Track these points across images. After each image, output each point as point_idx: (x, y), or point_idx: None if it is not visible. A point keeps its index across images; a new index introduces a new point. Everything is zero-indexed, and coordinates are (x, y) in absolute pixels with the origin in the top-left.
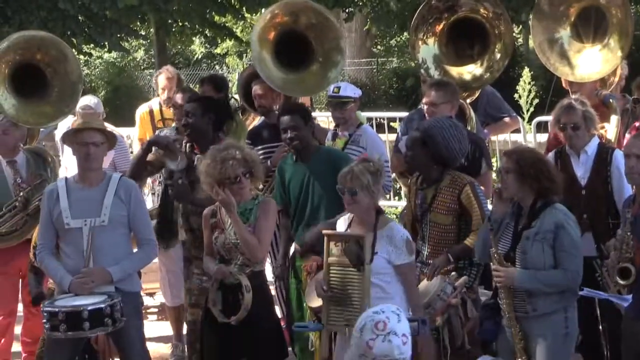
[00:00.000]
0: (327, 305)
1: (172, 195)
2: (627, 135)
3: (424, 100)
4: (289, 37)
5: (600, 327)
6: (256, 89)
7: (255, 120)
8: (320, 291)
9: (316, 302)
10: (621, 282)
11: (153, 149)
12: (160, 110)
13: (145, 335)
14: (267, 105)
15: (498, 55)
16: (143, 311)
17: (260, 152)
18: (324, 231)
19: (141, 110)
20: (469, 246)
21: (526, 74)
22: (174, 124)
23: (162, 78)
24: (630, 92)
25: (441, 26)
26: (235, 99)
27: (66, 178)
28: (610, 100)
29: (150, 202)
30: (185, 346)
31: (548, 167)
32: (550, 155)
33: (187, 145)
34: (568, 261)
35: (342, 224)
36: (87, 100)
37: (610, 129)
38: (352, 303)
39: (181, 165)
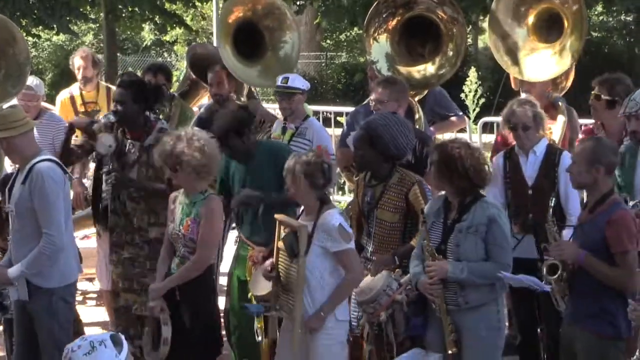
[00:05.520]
0: (276, 289)
1: (111, 185)
2: (581, 136)
3: (372, 97)
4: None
5: (539, 329)
6: (212, 77)
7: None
8: (267, 273)
9: (262, 290)
10: (548, 277)
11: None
12: (81, 95)
13: (65, 334)
14: (223, 93)
15: (451, 54)
16: (82, 297)
17: None
18: (277, 216)
19: (62, 97)
20: (414, 246)
21: (473, 73)
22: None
23: (77, 59)
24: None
25: (394, 22)
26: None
27: None
28: (559, 102)
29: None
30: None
31: (475, 164)
32: (499, 156)
33: (119, 130)
34: (499, 254)
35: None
36: (29, 81)
37: (555, 130)
38: (288, 292)
39: (111, 150)
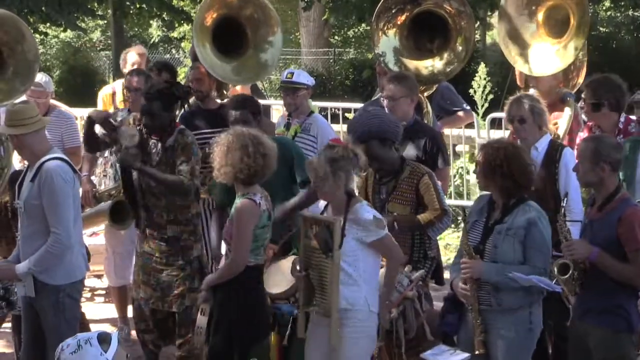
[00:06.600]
0: (303, 287)
1: (118, 159)
2: (580, 134)
3: (383, 94)
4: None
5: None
6: (192, 73)
7: None
8: (296, 272)
9: (275, 288)
10: (560, 276)
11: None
12: (123, 93)
13: (71, 330)
14: (203, 90)
15: (459, 49)
16: (90, 294)
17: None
18: (302, 213)
19: (104, 92)
20: (418, 220)
21: (482, 69)
22: (127, 107)
23: (132, 54)
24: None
25: (403, 17)
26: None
27: None
28: (568, 98)
29: (102, 184)
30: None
31: (520, 164)
32: None
33: (144, 130)
34: (537, 258)
35: (322, 203)
36: (38, 78)
37: (562, 122)
38: (323, 288)
39: (134, 141)
